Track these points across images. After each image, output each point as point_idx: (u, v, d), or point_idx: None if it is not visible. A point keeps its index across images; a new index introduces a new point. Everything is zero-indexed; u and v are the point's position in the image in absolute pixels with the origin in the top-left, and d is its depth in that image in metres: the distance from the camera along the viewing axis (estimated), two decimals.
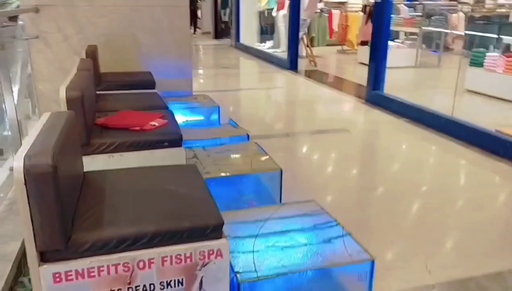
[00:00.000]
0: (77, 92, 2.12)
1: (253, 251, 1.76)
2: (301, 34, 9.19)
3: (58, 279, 1.32)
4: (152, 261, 1.40)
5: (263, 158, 2.72)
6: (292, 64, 8.93)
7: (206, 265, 1.46)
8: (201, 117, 3.90)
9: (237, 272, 1.62)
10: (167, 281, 1.44)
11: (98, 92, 3.44)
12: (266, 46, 11.43)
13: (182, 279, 1.45)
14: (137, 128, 2.38)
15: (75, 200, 1.50)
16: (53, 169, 1.23)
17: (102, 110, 2.78)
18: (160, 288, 1.43)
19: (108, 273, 1.37)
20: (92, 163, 2.19)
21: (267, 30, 12.13)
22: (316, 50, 10.20)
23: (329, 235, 1.89)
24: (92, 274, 1.35)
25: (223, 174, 2.47)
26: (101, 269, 1.36)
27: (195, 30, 15.38)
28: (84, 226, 1.39)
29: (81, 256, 1.34)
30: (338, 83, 7.97)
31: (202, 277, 1.47)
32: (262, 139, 4.54)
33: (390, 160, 4.07)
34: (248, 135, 3.19)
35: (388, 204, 3.10)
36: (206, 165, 2.59)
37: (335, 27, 11.66)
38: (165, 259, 1.42)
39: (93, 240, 1.35)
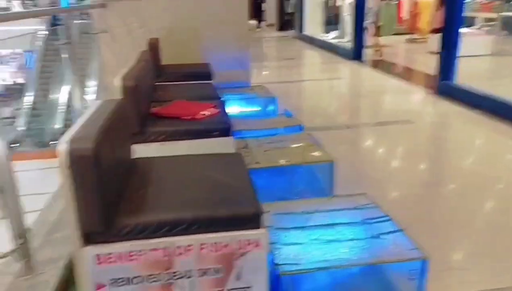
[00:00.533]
0: (131, 82, 2.18)
1: (296, 243, 1.71)
2: (366, 23, 8.87)
3: (100, 261, 1.36)
4: (190, 247, 1.40)
5: (316, 149, 2.65)
6: (356, 54, 8.65)
7: (244, 254, 1.44)
8: (257, 108, 3.88)
9: (278, 264, 1.58)
10: (205, 269, 1.43)
11: (157, 83, 3.55)
12: (330, 37, 11.17)
13: (220, 268, 1.44)
14: (189, 117, 2.42)
15: (120, 185, 1.54)
16: (94, 153, 1.26)
17: (159, 100, 2.86)
18: (199, 275, 1.43)
19: (148, 257, 1.39)
20: (145, 151, 2.25)
21: (331, 20, 11.84)
22: (383, 40, 9.78)
23: (379, 230, 1.79)
24: (132, 257, 1.38)
25: (272, 164, 2.43)
26: (141, 253, 1.38)
27: (259, 23, 15.27)
28: (126, 210, 1.42)
29: (122, 239, 1.37)
30: (406, 74, 7.59)
31: (240, 267, 1.44)
32: (322, 131, 4.45)
33: (458, 153, 3.79)
34: (301, 126, 3.12)
35: (455, 200, 2.89)
36: (256, 155, 2.56)
37: (404, 14, 11.08)
38: (203, 246, 1.41)
39: (134, 224, 1.38)
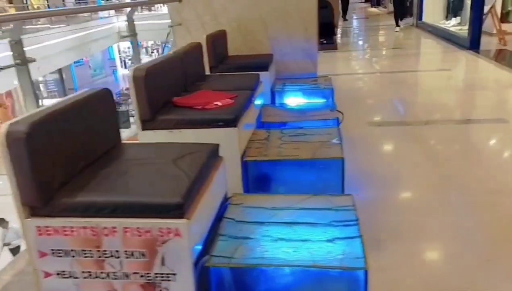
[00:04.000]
0: (140, 72, 2.33)
1: (245, 238, 1.67)
2: (487, 7, 7.84)
3: (40, 232, 1.52)
4: (115, 229, 1.48)
5: (332, 145, 2.49)
6: (473, 43, 7.73)
7: (166, 242, 1.47)
8: (314, 100, 3.76)
9: (212, 255, 1.57)
10: (131, 251, 1.50)
11: (212, 73, 3.70)
12: (451, 24, 10.12)
13: (145, 252, 1.49)
14: (199, 107, 2.48)
15: (73, 165, 1.66)
16: (27, 136, 1.42)
17: (193, 90, 2.97)
18: (126, 257, 1.51)
19: (79, 234, 1.51)
20: (154, 137, 2.40)
21: (455, 5, 10.69)
22: (510, 27, 8.56)
23: (338, 235, 1.64)
24: (66, 232, 1.51)
25: (277, 158, 2.37)
26: (73, 229, 1.50)
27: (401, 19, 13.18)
28: (66, 190, 1.55)
29: (58, 215, 1.51)
30: None
31: (163, 254, 1.48)
32: (394, 126, 4.15)
33: None
34: (338, 120, 2.95)
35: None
36: (270, 147, 2.52)
37: None
38: (126, 229, 1.48)
39: (68, 203, 1.51)
